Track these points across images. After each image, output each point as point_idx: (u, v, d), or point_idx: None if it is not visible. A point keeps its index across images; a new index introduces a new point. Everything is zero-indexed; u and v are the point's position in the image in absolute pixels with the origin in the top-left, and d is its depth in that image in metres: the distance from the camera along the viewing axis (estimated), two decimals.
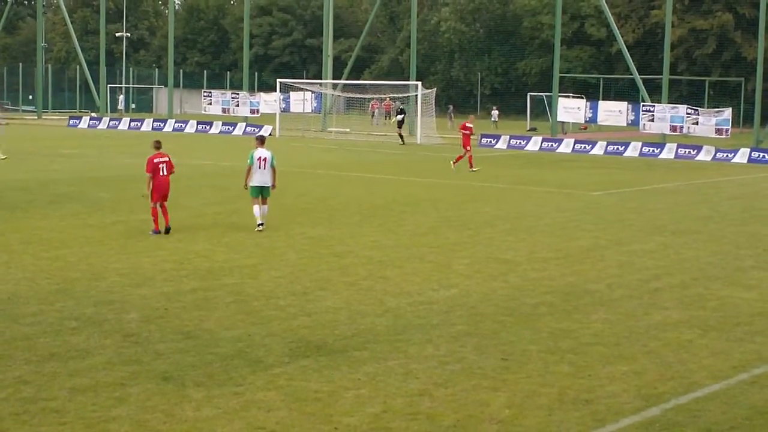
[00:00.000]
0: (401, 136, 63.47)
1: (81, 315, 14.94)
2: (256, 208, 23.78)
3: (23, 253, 20.06)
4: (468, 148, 42.94)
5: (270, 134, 67.12)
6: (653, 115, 60.54)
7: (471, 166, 42.22)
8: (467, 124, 44.06)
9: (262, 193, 23.88)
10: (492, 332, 14.54)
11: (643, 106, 62.15)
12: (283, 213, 25.85)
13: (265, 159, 23.81)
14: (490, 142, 63.39)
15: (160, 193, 23.00)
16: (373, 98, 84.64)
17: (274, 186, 24.12)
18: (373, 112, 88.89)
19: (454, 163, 42.72)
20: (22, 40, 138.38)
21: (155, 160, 23.00)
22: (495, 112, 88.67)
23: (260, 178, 23.81)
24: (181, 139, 64.37)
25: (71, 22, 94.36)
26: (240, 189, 24.53)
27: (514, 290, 17.63)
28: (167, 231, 22.71)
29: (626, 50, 69.60)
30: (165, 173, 23.07)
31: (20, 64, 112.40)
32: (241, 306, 15.83)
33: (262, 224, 23.62)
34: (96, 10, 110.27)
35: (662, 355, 13.52)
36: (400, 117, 64.42)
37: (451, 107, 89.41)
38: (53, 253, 20.12)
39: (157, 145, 23.47)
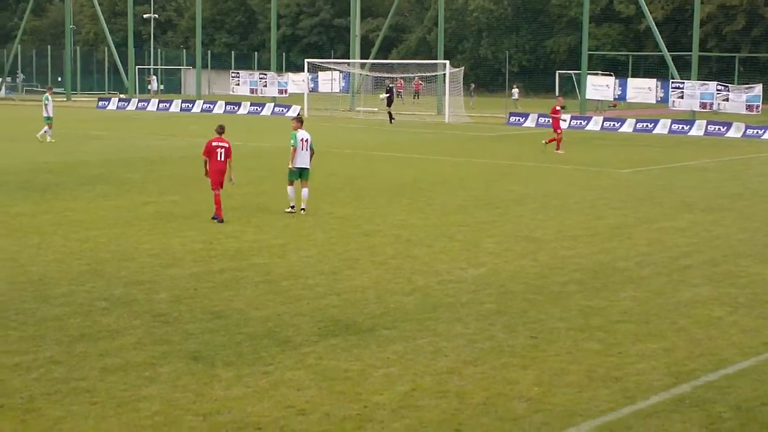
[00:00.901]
0: (390, 115, 62.65)
1: (111, 295, 15.01)
2: (290, 190, 23.32)
3: (53, 235, 20.15)
4: (559, 130, 42.46)
5: (298, 114, 67.16)
6: (683, 92, 60.26)
7: (558, 149, 41.74)
8: (557, 107, 43.64)
9: (301, 175, 23.37)
10: (521, 310, 14.52)
11: (673, 83, 61.86)
12: (311, 193, 25.85)
13: (306, 140, 23.27)
14: (519, 120, 63.22)
15: (216, 178, 22.18)
16: (396, 77, 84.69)
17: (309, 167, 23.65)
18: (399, 92, 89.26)
19: (546, 143, 42.03)
20: (51, 22, 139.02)
21: (213, 144, 22.22)
22: (515, 91, 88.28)
23: (302, 160, 23.27)
24: (210, 119, 64.37)
25: (99, 4, 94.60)
26: (270, 170, 24.39)
27: (543, 268, 17.59)
28: (216, 218, 21.89)
29: (655, 27, 69.26)
30: (222, 159, 22.21)
31: (49, 46, 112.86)
32: (270, 286, 15.86)
33: (302, 207, 23.15)
34: None
35: (692, 332, 13.47)
36: (385, 95, 63.68)
37: (473, 85, 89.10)
38: (83, 234, 20.21)
39: (220, 129, 22.58)
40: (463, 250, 19.21)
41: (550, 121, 44.87)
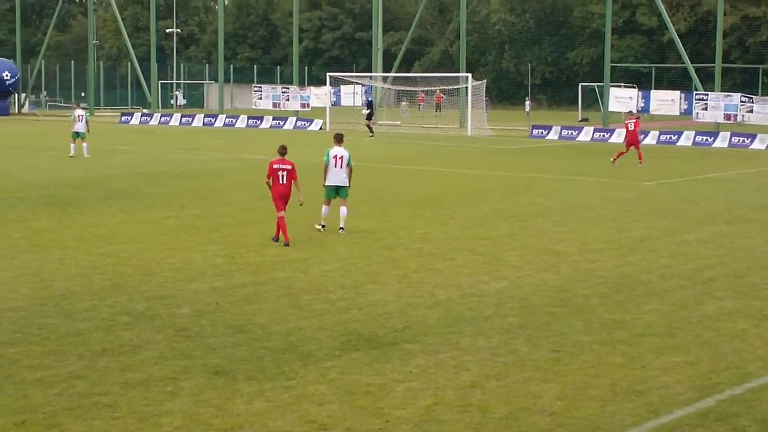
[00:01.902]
0: (370, 128, 62.27)
1: (133, 310, 15.03)
2: (324, 209, 22.76)
3: (76, 249, 20.20)
4: (632, 146, 41.77)
5: (320, 128, 67.44)
6: (706, 103, 59.97)
7: (618, 158, 41.66)
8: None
9: (338, 193, 22.79)
10: (543, 324, 14.46)
11: (696, 94, 61.60)
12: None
13: (341, 158, 22.63)
14: (542, 132, 63.14)
15: (279, 202, 21.39)
16: (418, 90, 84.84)
17: (348, 185, 22.97)
18: (420, 105, 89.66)
19: (640, 163, 41.26)
20: (74, 37, 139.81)
21: (275, 166, 21.49)
22: (528, 103, 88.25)
23: (336, 177, 22.62)
24: (232, 134, 64.69)
25: (122, 19, 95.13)
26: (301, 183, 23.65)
27: (565, 281, 17.52)
28: (276, 240, 21.29)
29: (678, 39, 69.05)
30: (284, 181, 21.42)
31: (72, 61, 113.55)
32: (292, 300, 15.84)
33: (341, 226, 22.58)
34: (146, 6, 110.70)
35: (716, 345, 13.38)
36: (367, 111, 63.42)
37: (486, 99, 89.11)
38: (105, 249, 20.25)
39: (282, 150, 21.78)
40: (486, 263, 19.16)
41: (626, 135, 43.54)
